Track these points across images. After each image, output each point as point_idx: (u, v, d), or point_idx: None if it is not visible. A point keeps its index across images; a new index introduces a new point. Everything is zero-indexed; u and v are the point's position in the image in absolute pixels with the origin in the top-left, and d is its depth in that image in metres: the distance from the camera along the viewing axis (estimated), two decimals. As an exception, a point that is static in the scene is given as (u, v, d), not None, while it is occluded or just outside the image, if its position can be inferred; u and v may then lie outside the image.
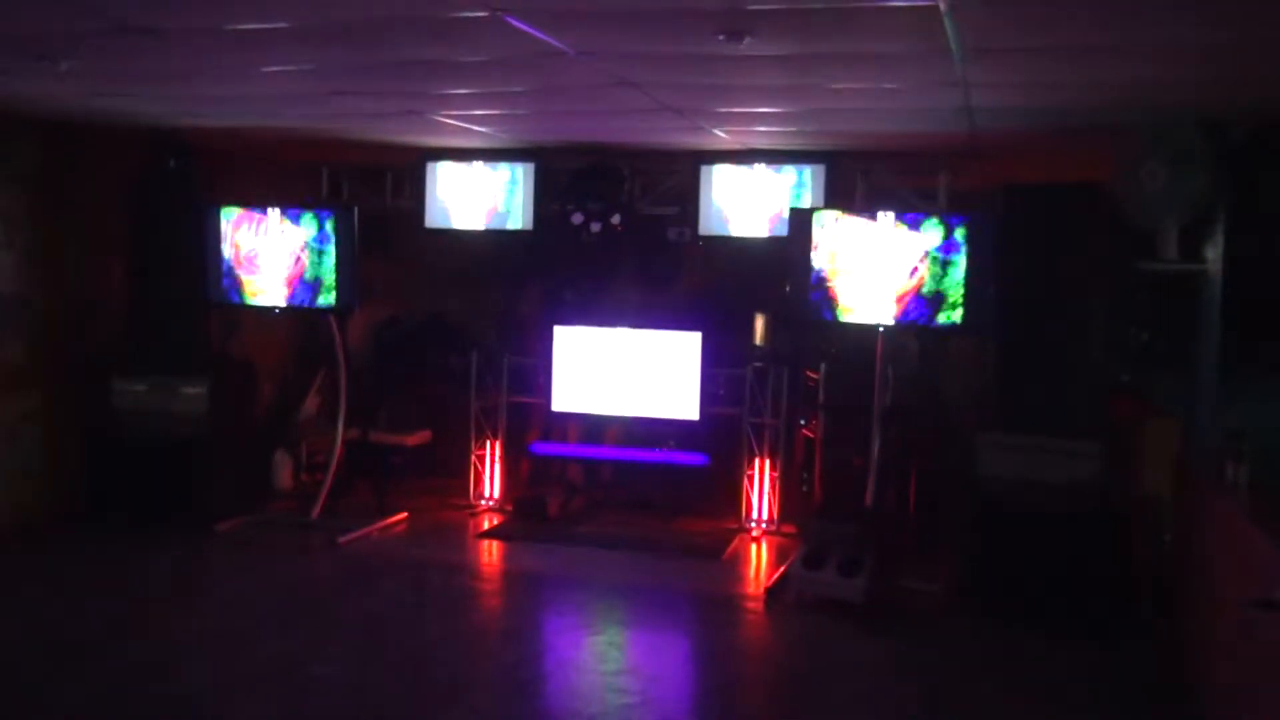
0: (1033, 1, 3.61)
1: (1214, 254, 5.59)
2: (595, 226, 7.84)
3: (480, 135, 7.30)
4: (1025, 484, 6.09)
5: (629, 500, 8.42)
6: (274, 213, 7.64)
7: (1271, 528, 4.09)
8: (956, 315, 6.45)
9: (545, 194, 8.03)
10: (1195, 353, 5.93)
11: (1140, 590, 5.97)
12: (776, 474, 7.88)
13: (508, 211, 8.12)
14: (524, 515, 8.16)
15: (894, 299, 6.56)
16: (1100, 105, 5.38)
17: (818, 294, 6.75)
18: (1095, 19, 3.80)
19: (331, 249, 7.52)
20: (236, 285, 7.75)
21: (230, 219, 7.72)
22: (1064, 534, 5.96)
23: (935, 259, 6.45)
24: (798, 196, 7.52)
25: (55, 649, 5.35)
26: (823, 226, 6.74)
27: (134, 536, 7.23)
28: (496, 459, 8.42)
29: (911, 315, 6.53)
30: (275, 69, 5.16)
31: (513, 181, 8.09)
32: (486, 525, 8.07)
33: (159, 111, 6.61)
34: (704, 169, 7.72)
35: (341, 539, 7.38)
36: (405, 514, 8.08)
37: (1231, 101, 5.21)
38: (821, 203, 7.34)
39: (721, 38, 4.14)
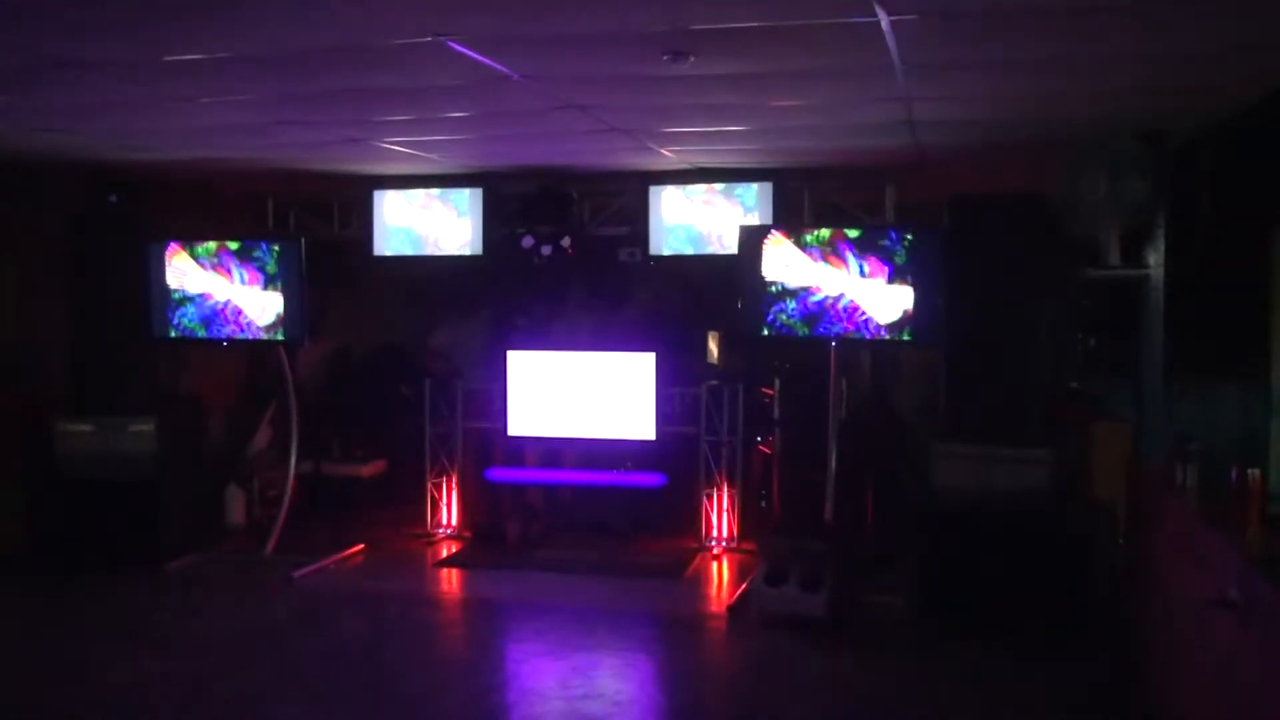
0: (971, 17, 3.66)
1: (1155, 260, 5.70)
2: (545, 250, 7.82)
3: (427, 161, 7.26)
4: (978, 493, 6.11)
5: (588, 523, 8.37)
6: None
7: (1222, 528, 4.15)
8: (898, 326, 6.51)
9: (494, 219, 7.99)
10: (1141, 357, 6.03)
11: (1096, 595, 6.03)
12: (735, 491, 7.88)
13: (457, 238, 8.07)
14: (483, 542, 8.08)
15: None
16: (1040, 117, 5.47)
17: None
18: (1033, 33, 3.87)
19: (278, 280, 7.44)
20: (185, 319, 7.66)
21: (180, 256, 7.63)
22: (1018, 542, 6.00)
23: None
24: (749, 211, 7.56)
25: None
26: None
27: (81, 579, 7.06)
28: (453, 486, 8.35)
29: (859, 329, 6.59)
30: (215, 100, 5.10)
31: (461, 207, 8.05)
32: (445, 554, 7.98)
33: (97, 147, 6.50)
34: (653, 189, 7.73)
35: (297, 574, 7.26)
36: (362, 545, 7.97)
37: (1169, 111, 5.32)
38: (770, 220, 7.38)
39: (666, 58, 4.16)
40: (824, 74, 4.61)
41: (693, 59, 4.17)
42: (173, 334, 7.71)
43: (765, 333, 6.84)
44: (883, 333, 6.57)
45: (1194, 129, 5.49)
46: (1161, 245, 5.57)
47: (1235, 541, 3.99)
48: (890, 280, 6.52)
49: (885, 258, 6.53)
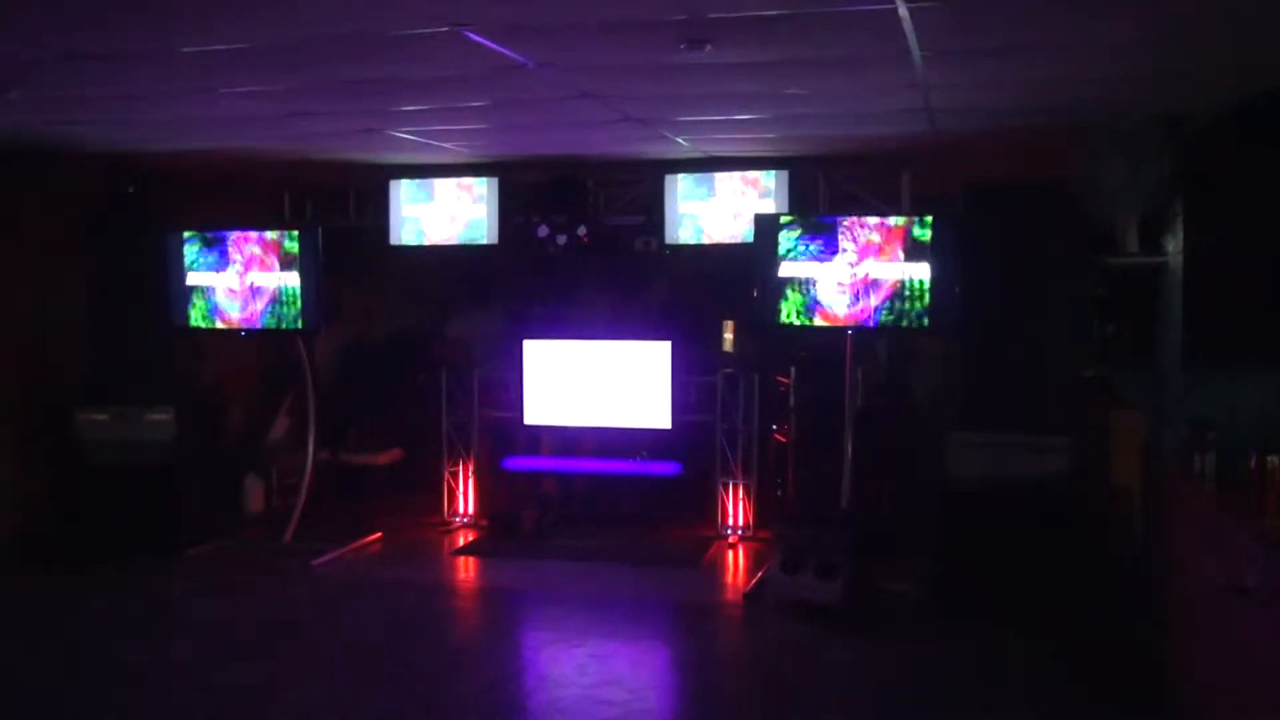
0: (990, 2, 3.64)
1: (1174, 246, 5.67)
2: (561, 239, 7.83)
3: (443, 151, 7.27)
4: (995, 481, 6.13)
5: (605, 512, 8.40)
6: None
7: (1239, 515, 4.14)
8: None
9: (510, 208, 8.00)
10: (1158, 344, 6.00)
11: (1113, 581, 6.02)
12: (751, 480, 7.89)
13: (473, 227, 8.08)
14: (499, 531, 8.12)
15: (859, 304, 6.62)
16: (1058, 102, 5.44)
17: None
18: (1051, 17, 3.85)
19: (296, 269, 7.48)
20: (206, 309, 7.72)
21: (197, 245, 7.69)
22: (1034, 529, 6.01)
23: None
24: (769, 200, 7.54)
25: (19, 683, 5.26)
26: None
27: (102, 566, 7.12)
28: (470, 475, 8.38)
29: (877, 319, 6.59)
30: (232, 91, 5.12)
31: (477, 197, 8.06)
32: (461, 542, 8.03)
33: (115, 138, 6.53)
34: (668, 178, 7.72)
35: (315, 561, 7.31)
36: (379, 534, 8.02)
37: (1187, 95, 5.28)
38: (786, 208, 7.37)
39: (683, 46, 4.15)
40: (841, 62, 4.60)
41: (710, 47, 4.16)
42: (191, 323, 7.76)
43: (780, 321, 6.84)
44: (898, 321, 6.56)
45: (1212, 113, 5.45)
46: (1180, 231, 5.53)
47: (1253, 528, 3.98)
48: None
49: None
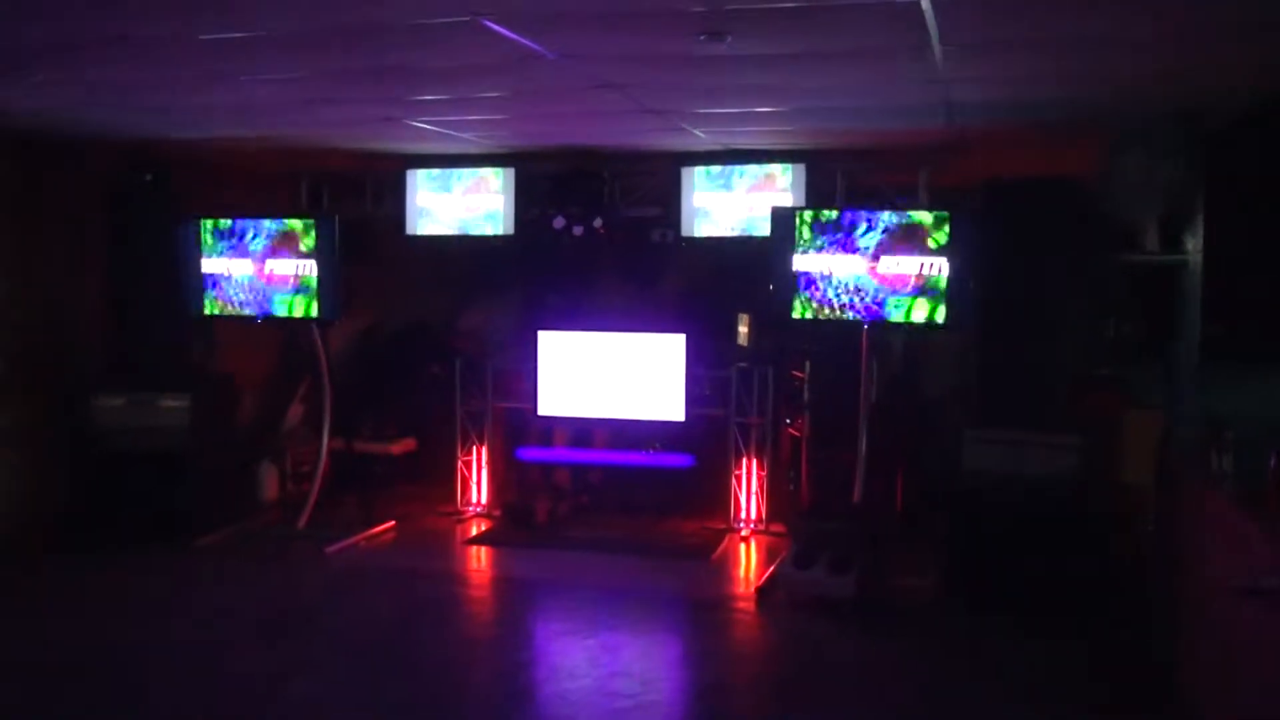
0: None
1: (1194, 245, 5.63)
2: (577, 230, 7.82)
3: (460, 141, 7.27)
4: (1008, 478, 6.11)
5: (617, 503, 8.40)
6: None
7: (1256, 515, 4.11)
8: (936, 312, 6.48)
9: (526, 199, 8.00)
10: (1176, 343, 5.97)
11: (1124, 580, 6.00)
12: (764, 473, 7.88)
13: (488, 218, 8.08)
14: (512, 521, 8.13)
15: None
16: (1079, 98, 5.41)
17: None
18: (1075, 10, 3.82)
19: (313, 258, 7.50)
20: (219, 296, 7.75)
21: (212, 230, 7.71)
22: (1047, 526, 5.99)
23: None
24: (786, 193, 7.51)
25: (28, 670, 5.28)
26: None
27: (116, 551, 7.15)
28: (483, 465, 8.40)
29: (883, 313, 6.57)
30: (250, 78, 5.12)
31: (494, 188, 8.05)
32: (474, 532, 8.04)
33: (134, 124, 6.55)
34: (684, 170, 7.71)
35: (329, 549, 7.33)
36: (393, 522, 8.04)
37: (1208, 92, 5.24)
38: (802, 201, 7.35)
39: (703, 38, 4.14)
40: (861, 55, 4.58)
41: (730, 39, 4.15)
42: (206, 310, 7.78)
43: (795, 315, 6.82)
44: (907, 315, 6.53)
45: (1233, 111, 5.41)
46: (1200, 230, 5.50)
47: (1272, 529, 3.95)
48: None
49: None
